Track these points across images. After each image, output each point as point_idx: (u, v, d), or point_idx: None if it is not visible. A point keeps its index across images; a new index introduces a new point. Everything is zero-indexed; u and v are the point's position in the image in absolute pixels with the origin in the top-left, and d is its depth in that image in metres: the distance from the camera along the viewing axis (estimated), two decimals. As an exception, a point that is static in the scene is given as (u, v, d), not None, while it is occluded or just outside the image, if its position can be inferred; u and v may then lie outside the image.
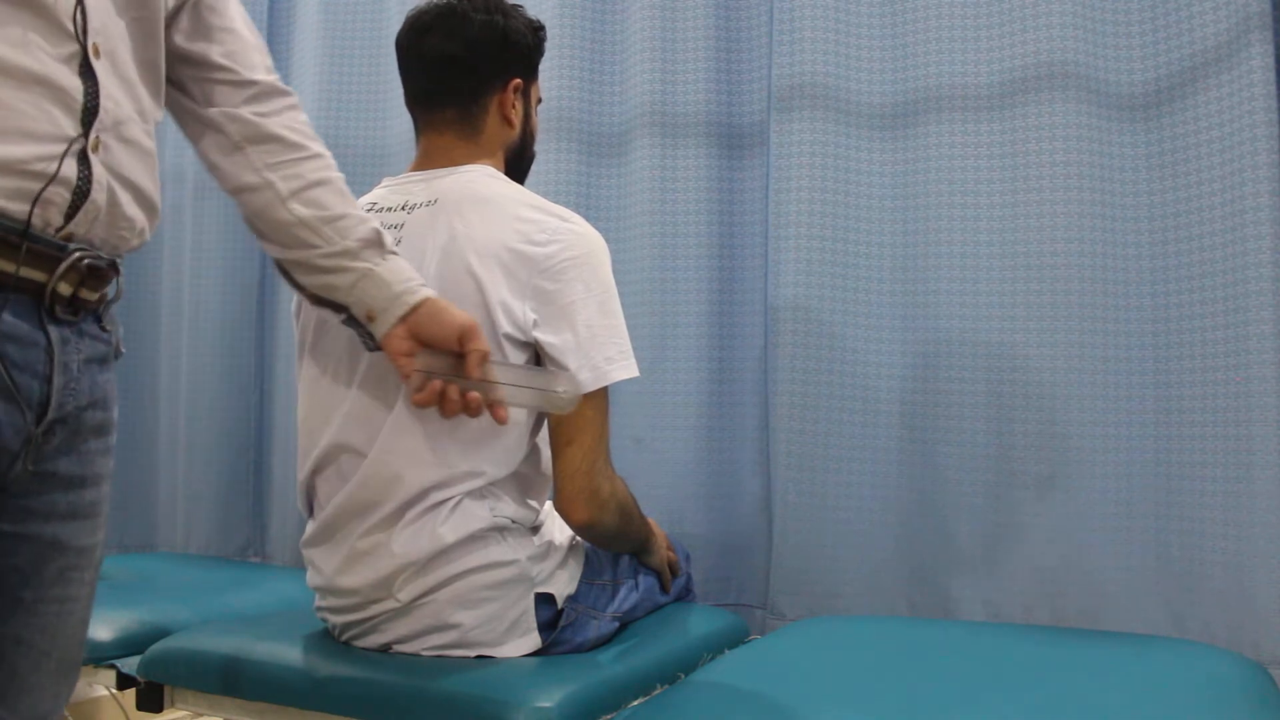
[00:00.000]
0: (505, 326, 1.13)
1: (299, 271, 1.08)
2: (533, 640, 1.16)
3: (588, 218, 1.31)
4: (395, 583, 1.12)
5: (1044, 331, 1.50)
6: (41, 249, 0.75)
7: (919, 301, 1.60)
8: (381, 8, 2.07)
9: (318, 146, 1.05)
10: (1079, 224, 1.49)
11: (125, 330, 0.88)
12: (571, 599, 1.20)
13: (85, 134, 0.76)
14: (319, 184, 1.04)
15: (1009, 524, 1.52)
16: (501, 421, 1.09)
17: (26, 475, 0.78)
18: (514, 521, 1.17)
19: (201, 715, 1.34)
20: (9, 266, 0.73)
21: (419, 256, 1.16)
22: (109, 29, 0.80)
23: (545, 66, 1.73)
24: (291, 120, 1.03)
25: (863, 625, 1.41)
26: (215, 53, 0.98)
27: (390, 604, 1.13)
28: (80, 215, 0.77)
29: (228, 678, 1.16)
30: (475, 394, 1.07)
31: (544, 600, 1.18)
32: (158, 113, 0.88)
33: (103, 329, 0.85)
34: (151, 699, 1.24)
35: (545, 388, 1.10)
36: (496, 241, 1.15)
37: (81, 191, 0.76)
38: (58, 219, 0.75)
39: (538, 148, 1.44)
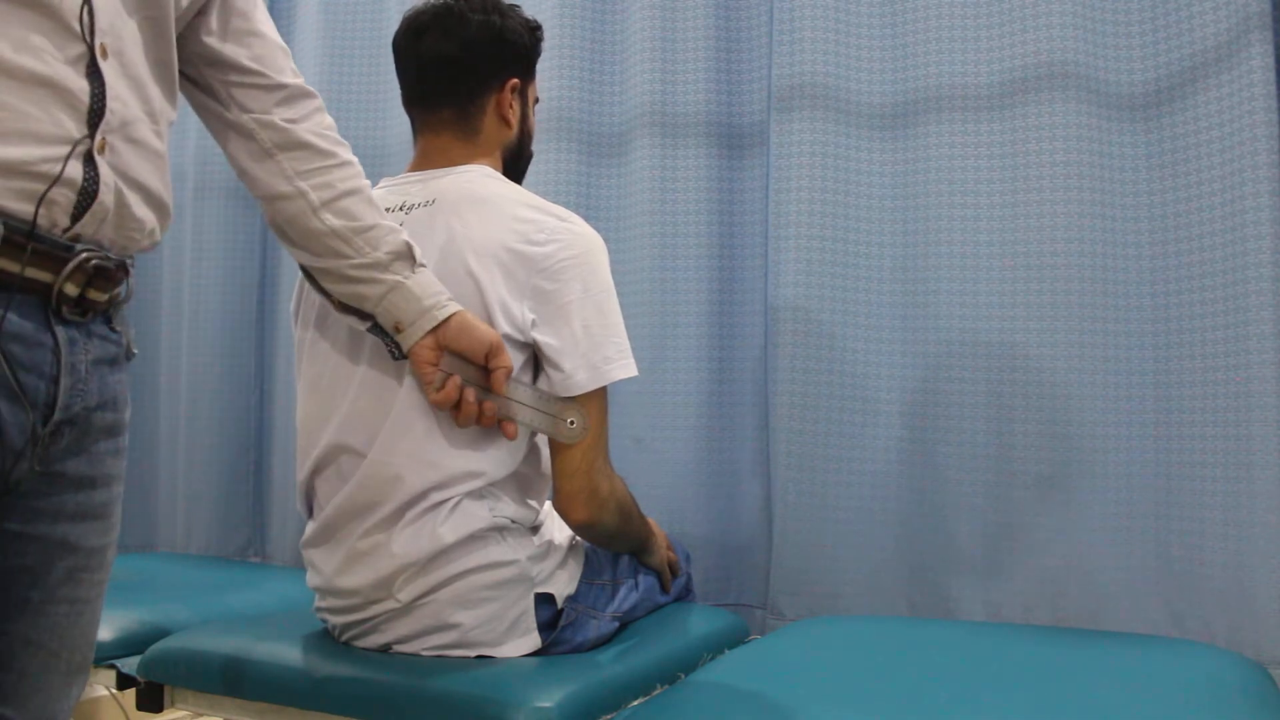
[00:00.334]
0: (504, 326, 1.13)
1: (327, 280, 1.09)
2: (533, 640, 1.16)
3: (588, 218, 1.31)
4: (395, 583, 1.12)
5: (1044, 331, 1.50)
6: (47, 249, 0.75)
7: (919, 301, 1.60)
8: (381, 8, 2.07)
9: (346, 153, 1.07)
10: (1079, 224, 1.49)
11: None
12: (571, 599, 1.20)
13: (91, 135, 0.76)
14: (350, 193, 1.05)
15: (1009, 524, 1.52)
16: (510, 437, 1.13)
17: (34, 475, 0.78)
18: (514, 521, 1.17)
19: (201, 715, 1.34)
20: (14, 266, 0.73)
21: (418, 256, 1.16)
22: (118, 29, 0.80)
23: (545, 66, 1.73)
24: (319, 125, 1.04)
25: (863, 625, 1.41)
26: (244, 56, 0.98)
27: (390, 604, 1.13)
28: (87, 216, 0.77)
29: (228, 678, 1.16)
30: (491, 404, 1.10)
31: (544, 600, 1.18)
32: (171, 113, 0.88)
33: (113, 330, 0.84)
34: (151, 699, 1.24)
35: (557, 415, 1.14)
36: (495, 241, 1.15)
37: (88, 193, 0.76)
38: (64, 220, 0.75)
39: (537, 148, 1.44)
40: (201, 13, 0.95)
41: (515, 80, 1.29)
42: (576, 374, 1.14)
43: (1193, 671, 1.13)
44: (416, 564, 1.11)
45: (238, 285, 2.12)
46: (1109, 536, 1.46)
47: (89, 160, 0.76)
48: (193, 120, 2.17)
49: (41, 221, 0.73)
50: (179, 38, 0.91)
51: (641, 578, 1.35)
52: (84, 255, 0.77)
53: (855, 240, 1.63)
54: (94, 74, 0.77)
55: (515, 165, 1.34)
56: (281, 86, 1.00)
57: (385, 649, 1.16)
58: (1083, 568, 1.47)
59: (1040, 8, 1.52)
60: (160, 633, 1.37)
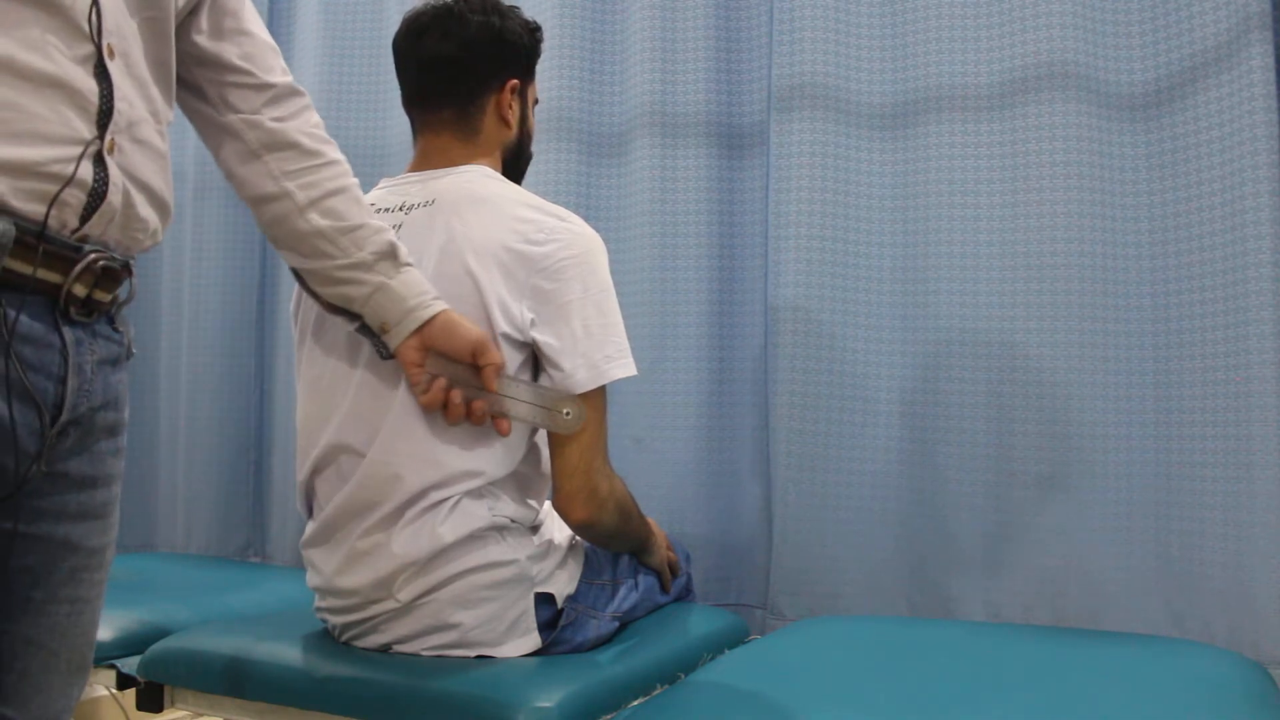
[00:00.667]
0: (503, 326, 1.13)
1: (315, 281, 1.10)
2: (533, 640, 1.16)
3: (588, 218, 1.31)
4: (395, 583, 1.12)
5: (1044, 331, 1.50)
6: (57, 250, 0.75)
7: (919, 301, 1.60)
8: (381, 8, 2.07)
9: (333, 152, 1.06)
10: (1079, 224, 1.49)
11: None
12: (571, 599, 1.20)
13: (100, 136, 0.76)
14: (336, 193, 1.05)
15: (1009, 524, 1.51)
16: (504, 433, 1.13)
17: (40, 476, 0.78)
18: (513, 521, 1.17)
19: (201, 715, 1.34)
20: (26, 268, 0.73)
21: (417, 257, 1.16)
22: (122, 29, 0.80)
23: (545, 66, 1.73)
24: (307, 124, 1.04)
25: (863, 625, 1.41)
26: (233, 54, 0.98)
27: (390, 604, 1.13)
28: (96, 217, 0.77)
29: (228, 678, 1.16)
30: (480, 402, 1.10)
31: (544, 600, 1.18)
32: (169, 113, 0.89)
33: (115, 330, 0.85)
34: (151, 699, 1.24)
35: (551, 407, 1.13)
36: (494, 241, 1.15)
37: (97, 193, 0.76)
38: (73, 221, 0.76)
39: (537, 148, 1.44)
40: (193, 12, 0.95)
41: (515, 81, 1.29)
42: (576, 373, 1.14)
43: (1193, 671, 1.13)
44: (416, 564, 1.11)
45: (238, 285, 2.12)
46: (1109, 536, 1.46)
47: (99, 161, 0.76)
48: (193, 120, 2.17)
49: (51, 222, 0.74)
50: None
51: (641, 578, 1.35)
52: (92, 256, 0.78)
53: (855, 240, 1.63)
54: (101, 74, 0.77)
55: (515, 165, 1.34)
56: (270, 86, 1.00)
57: (385, 649, 1.16)
58: (1083, 568, 1.47)
59: (1040, 8, 1.52)
60: (160, 633, 1.37)
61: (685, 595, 1.50)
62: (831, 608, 1.60)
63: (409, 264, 1.10)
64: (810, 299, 1.61)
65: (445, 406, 1.10)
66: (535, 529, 1.22)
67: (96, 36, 0.76)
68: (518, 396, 1.13)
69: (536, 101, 1.37)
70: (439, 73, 1.25)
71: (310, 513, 1.24)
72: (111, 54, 0.78)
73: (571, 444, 1.16)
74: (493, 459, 1.15)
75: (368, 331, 1.11)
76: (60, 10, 0.74)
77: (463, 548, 1.12)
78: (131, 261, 0.84)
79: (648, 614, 1.37)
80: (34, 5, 0.72)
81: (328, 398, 1.20)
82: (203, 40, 0.96)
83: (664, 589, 1.41)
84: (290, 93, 1.03)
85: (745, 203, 1.76)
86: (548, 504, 1.26)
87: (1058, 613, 1.48)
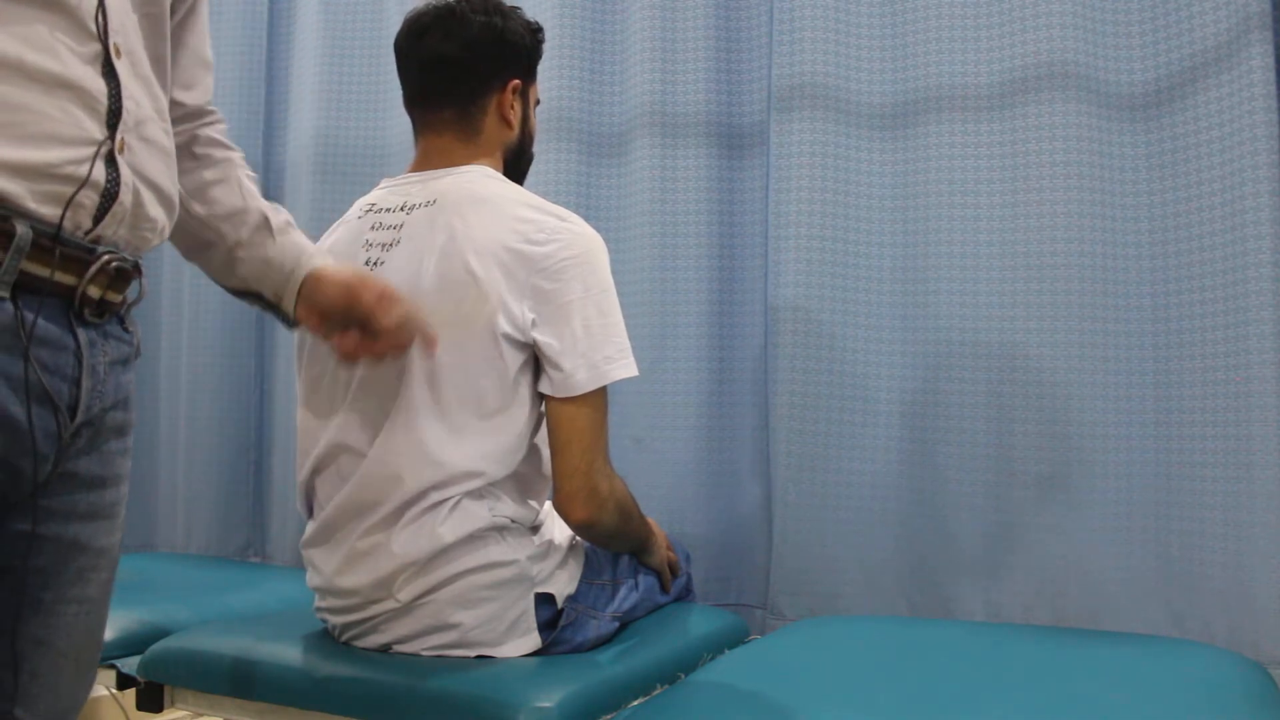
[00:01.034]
0: (503, 326, 1.13)
1: (211, 269, 1.08)
2: (533, 640, 1.16)
3: (588, 218, 1.31)
4: (395, 583, 1.12)
5: (1044, 331, 1.50)
6: (72, 252, 0.75)
7: (919, 301, 1.60)
8: (381, 8, 2.07)
9: (223, 152, 1.04)
10: (1079, 224, 1.49)
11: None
12: (571, 599, 1.20)
13: (111, 136, 0.76)
14: (215, 183, 1.03)
15: (1009, 524, 1.51)
16: (432, 347, 1.08)
17: (54, 477, 0.78)
18: (513, 521, 1.17)
19: (201, 715, 1.34)
20: (44, 271, 0.73)
21: (418, 257, 1.16)
22: (126, 27, 0.80)
23: (545, 67, 1.73)
24: (206, 131, 1.03)
25: (863, 625, 1.41)
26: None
27: (390, 604, 1.13)
28: (108, 218, 0.77)
29: (228, 678, 1.16)
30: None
31: (544, 600, 1.18)
32: (168, 110, 0.89)
33: (125, 330, 0.85)
34: (151, 699, 1.24)
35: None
36: (495, 241, 1.15)
37: (110, 194, 0.77)
38: (87, 222, 0.76)
39: (537, 148, 1.44)
40: (171, 12, 0.94)
41: (517, 81, 1.29)
42: (576, 374, 1.14)
43: (1193, 671, 1.13)
44: (416, 564, 1.11)
45: (238, 285, 2.12)
46: (1109, 536, 1.46)
47: (110, 161, 0.76)
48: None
49: (66, 224, 0.74)
50: None
51: (641, 578, 1.35)
52: (106, 257, 0.78)
53: (855, 240, 1.63)
54: (109, 73, 0.77)
55: (516, 166, 1.34)
56: (182, 104, 0.99)
57: (385, 649, 1.16)
58: (1083, 568, 1.47)
59: (1040, 8, 1.52)
60: (160, 633, 1.36)
61: (685, 595, 1.49)
62: (831, 608, 1.60)
63: (287, 227, 1.07)
64: (810, 299, 1.61)
65: (360, 350, 1.05)
66: (535, 529, 1.22)
67: (104, 36, 0.76)
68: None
69: (538, 102, 1.37)
70: (441, 73, 1.25)
71: (310, 513, 1.24)
72: (118, 53, 0.78)
73: (572, 444, 1.16)
74: (493, 460, 1.15)
75: (271, 307, 1.09)
76: (67, 10, 0.74)
77: (463, 548, 1.12)
78: (140, 261, 0.84)
79: (648, 614, 1.37)
80: (41, 5, 0.72)
81: (328, 398, 1.20)
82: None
83: (664, 589, 1.41)
84: (201, 112, 1.02)
85: (745, 203, 1.76)
86: (548, 504, 1.26)
87: (1058, 613, 1.48)
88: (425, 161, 1.27)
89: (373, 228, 1.23)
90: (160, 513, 2.21)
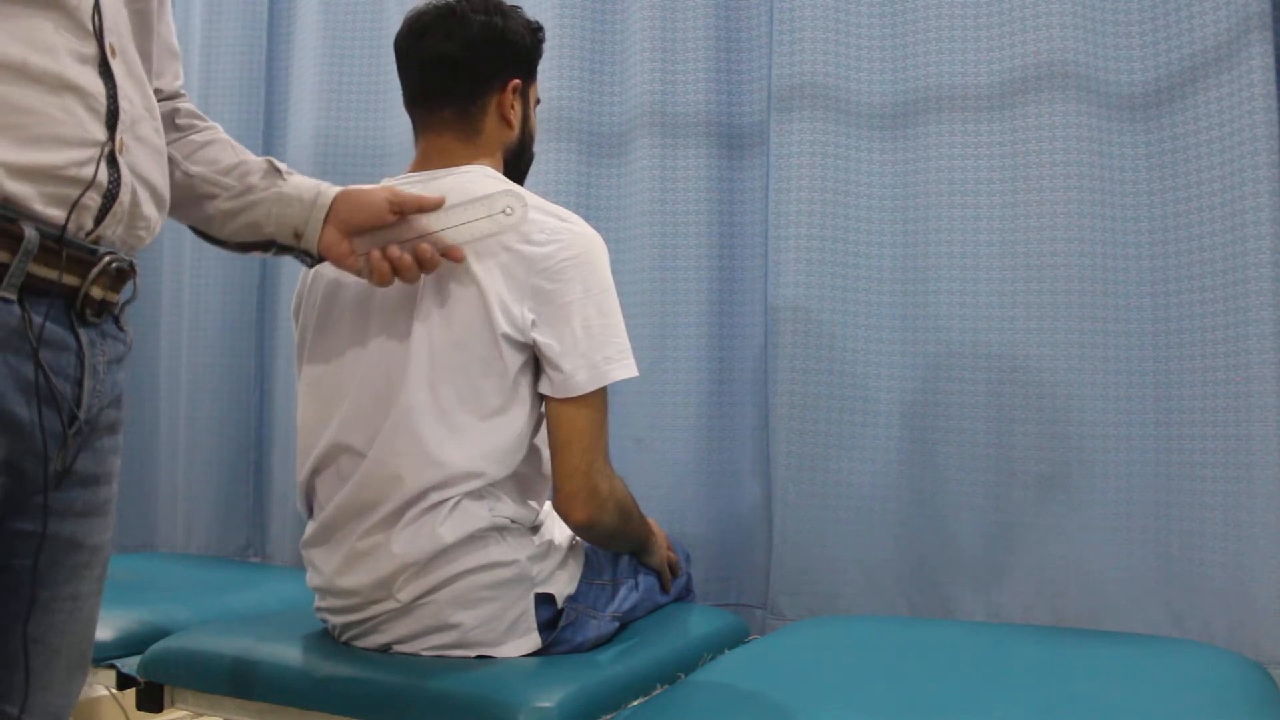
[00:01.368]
0: (504, 326, 1.13)
1: (215, 227, 1.08)
2: (533, 640, 1.16)
3: (588, 218, 1.31)
4: (395, 583, 1.12)
5: (1044, 331, 1.50)
6: (76, 254, 0.76)
7: (919, 301, 1.60)
8: (381, 8, 2.07)
9: (205, 122, 1.07)
10: (1079, 224, 1.49)
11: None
12: (571, 599, 1.20)
13: (111, 137, 0.77)
14: (208, 144, 1.05)
15: (1009, 524, 1.52)
16: (458, 259, 1.09)
17: (53, 476, 0.78)
18: (513, 521, 1.17)
19: (201, 715, 1.34)
20: (52, 273, 0.74)
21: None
22: (119, 26, 0.80)
23: (545, 66, 1.73)
24: (182, 107, 1.04)
25: (863, 625, 1.41)
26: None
27: (390, 604, 1.13)
28: (108, 218, 0.78)
29: (228, 678, 1.16)
30: (424, 247, 1.07)
31: (544, 600, 1.18)
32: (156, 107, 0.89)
33: (120, 329, 0.85)
34: (151, 699, 1.24)
35: (490, 212, 1.09)
36: (495, 241, 1.15)
37: (111, 195, 0.77)
38: (89, 223, 0.76)
39: (537, 148, 1.44)
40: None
41: (517, 81, 1.29)
42: (577, 374, 1.14)
43: (1193, 671, 1.13)
44: (416, 564, 1.11)
45: (238, 285, 2.12)
46: (1109, 536, 1.46)
47: (111, 162, 0.77)
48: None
49: (70, 225, 0.74)
50: None
51: (641, 578, 1.35)
52: (107, 258, 0.78)
53: (855, 240, 1.63)
54: (106, 73, 0.77)
55: (516, 166, 1.34)
56: (156, 91, 0.99)
57: (385, 649, 1.16)
58: (1083, 568, 1.47)
59: (1040, 8, 1.52)
60: (160, 633, 1.36)
61: (685, 595, 1.50)
62: (831, 608, 1.60)
63: (291, 171, 1.09)
64: (810, 299, 1.61)
65: (396, 270, 1.07)
66: (535, 529, 1.22)
67: (99, 35, 0.76)
68: (455, 222, 1.09)
69: (538, 102, 1.37)
70: (441, 73, 1.25)
71: (310, 513, 1.24)
72: (113, 53, 0.78)
73: (572, 445, 1.16)
74: (493, 460, 1.15)
75: (284, 249, 1.10)
76: (66, 9, 0.74)
77: (463, 548, 1.12)
78: (135, 261, 0.84)
79: (648, 614, 1.37)
80: (41, 5, 0.72)
81: (328, 398, 1.20)
82: None
83: (664, 589, 1.41)
84: (173, 96, 1.03)
85: (745, 203, 1.76)
86: (548, 504, 1.26)
87: (1058, 613, 1.48)
88: (425, 161, 1.27)
89: (373, 228, 1.23)
90: (160, 513, 2.21)
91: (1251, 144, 1.34)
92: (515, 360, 1.14)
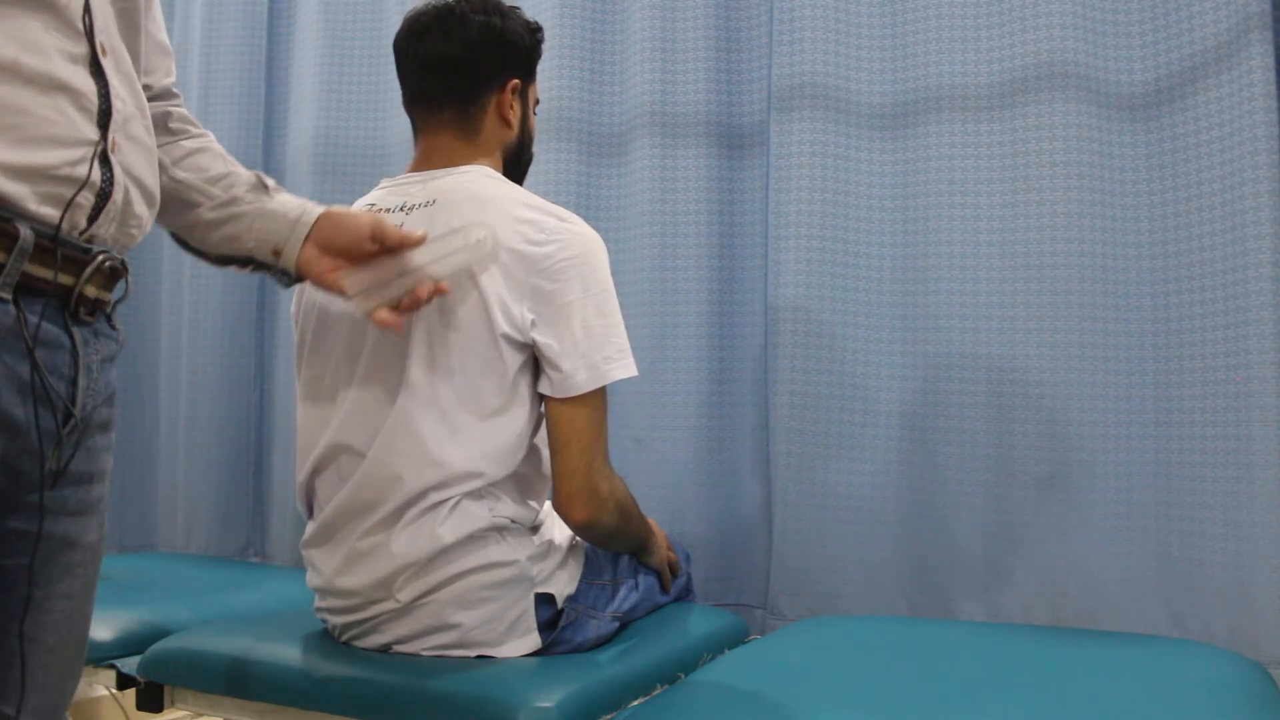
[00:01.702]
0: (503, 326, 1.13)
1: (194, 236, 1.07)
2: (533, 640, 1.16)
3: (588, 218, 1.31)
4: (395, 583, 1.12)
5: (1044, 331, 1.50)
6: (70, 253, 0.76)
7: (919, 301, 1.60)
8: (381, 8, 2.07)
9: (198, 129, 1.06)
10: (1079, 224, 1.49)
11: (125, 330, 0.89)
12: (571, 599, 1.20)
13: (103, 136, 0.77)
14: (197, 151, 1.04)
15: (1009, 524, 1.52)
16: (444, 292, 1.08)
17: (49, 475, 0.78)
18: (513, 521, 1.17)
19: (201, 715, 1.34)
20: (47, 273, 0.74)
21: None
22: (109, 25, 0.81)
23: (545, 66, 1.73)
24: (176, 109, 1.03)
25: (863, 625, 1.41)
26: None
27: (390, 604, 1.13)
28: (101, 217, 0.78)
29: (228, 678, 1.16)
30: (422, 289, 1.06)
31: (544, 600, 1.18)
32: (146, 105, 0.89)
33: (112, 327, 0.86)
34: (151, 699, 1.24)
35: (466, 245, 1.09)
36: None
37: (104, 194, 0.77)
38: (82, 222, 0.76)
39: (537, 148, 1.44)
40: None
41: (516, 81, 1.29)
42: (576, 374, 1.14)
43: (1193, 671, 1.13)
44: (416, 564, 1.11)
45: (237, 285, 2.12)
46: (1109, 536, 1.46)
47: (104, 161, 0.77)
48: (193, 120, 2.17)
49: (64, 225, 0.74)
50: None
51: (641, 578, 1.35)
52: (101, 257, 0.78)
53: (855, 240, 1.63)
54: (97, 73, 0.77)
55: (516, 166, 1.34)
56: (146, 88, 0.98)
57: (385, 649, 1.16)
58: (1083, 568, 1.47)
59: (1040, 8, 1.52)
60: (160, 633, 1.37)
61: (685, 595, 1.50)
62: (831, 608, 1.60)
63: (279, 189, 1.08)
64: (810, 299, 1.61)
65: (401, 312, 1.07)
66: (535, 529, 1.22)
67: (90, 34, 0.76)
68: (437, 255, 1.08)
69: (537, 102, 1.37)
70: (440, 73, 1.25)
71: (310, 513, 1.24)
72: (104, 52, 0.78)
73: (572, 445, 1.16)
74: (493, 460, 1.15)
75: (262, 266, 1.09)
76: (57, 9, 0.74)
77: (463, 548, 1.12)
78: (127, 259, 0.85)
79: (648, 614, 1.37)
80: (31, 6, 0.72)
81: (328, 398, 1.20)
82: None
83: (664, 589, 1.41)
84: (165, 94, 1.02)
85: (745, 203, 1.76)
86: (548, 504, 1.26)
87: (1058, 613, 1.48)
88: (425, 161, 1.27)
89: (373, 228, 1.23)
90: (160, 513, 2.21)
91: (1251, 144, 1.34)
92: (515, 360, 1.14)
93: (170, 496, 2.18)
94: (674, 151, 1.75)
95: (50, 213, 0.73)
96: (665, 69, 1.76)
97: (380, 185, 1.30)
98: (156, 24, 0.98)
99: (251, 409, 2.13)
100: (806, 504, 1.61)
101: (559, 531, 1.26)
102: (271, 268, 1.09)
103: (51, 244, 0.74)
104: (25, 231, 0.71)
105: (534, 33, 1.31)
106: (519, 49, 1.28)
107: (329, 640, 1.22)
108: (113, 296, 0.83)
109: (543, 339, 1.14)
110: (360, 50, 2.08)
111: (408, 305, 1.06)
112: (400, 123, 1.99)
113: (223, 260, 1.10)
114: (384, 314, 1.06)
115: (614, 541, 1.28)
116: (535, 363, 1.17)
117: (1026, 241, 1.52)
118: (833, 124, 1.63)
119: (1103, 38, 1.51)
